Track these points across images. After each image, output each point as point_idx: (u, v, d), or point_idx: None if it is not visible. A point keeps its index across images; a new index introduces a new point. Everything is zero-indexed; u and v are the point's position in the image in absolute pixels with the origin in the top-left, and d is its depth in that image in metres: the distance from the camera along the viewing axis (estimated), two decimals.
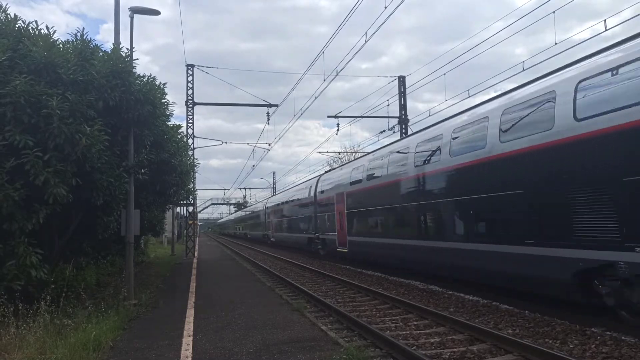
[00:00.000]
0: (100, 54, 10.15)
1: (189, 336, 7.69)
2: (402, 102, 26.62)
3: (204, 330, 8.14)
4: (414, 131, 16.44)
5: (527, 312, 9.07)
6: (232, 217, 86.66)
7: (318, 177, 24.92)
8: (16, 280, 8.21)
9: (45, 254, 9.13)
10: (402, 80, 26.72)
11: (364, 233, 16.95)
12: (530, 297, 9.58)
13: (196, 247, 29.79)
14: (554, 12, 14.61)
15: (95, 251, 13.92)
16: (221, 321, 8.86)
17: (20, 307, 7.24)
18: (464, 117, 11.26)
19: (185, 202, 25.80)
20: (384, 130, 27.99)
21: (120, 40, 12.35)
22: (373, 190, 16.03)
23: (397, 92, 26.72)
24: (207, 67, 27.27)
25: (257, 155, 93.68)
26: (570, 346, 6.83)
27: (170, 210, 29.59)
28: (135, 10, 14.29)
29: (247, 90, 54.42)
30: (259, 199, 61.11)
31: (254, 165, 46.83)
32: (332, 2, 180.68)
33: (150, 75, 10.91)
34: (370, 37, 17.19)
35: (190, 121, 27.06)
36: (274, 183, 77.31)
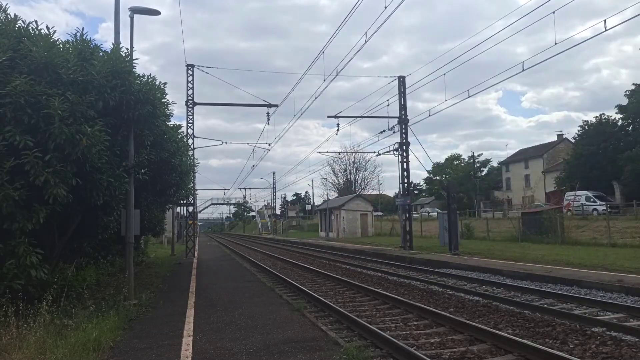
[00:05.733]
0: (100, 54, 10.14)
1: (189, 336, 7.69)
2: (402, 102, 26.63)
3: (204, 330, 8.14)
4: None
5: (527, 312, 9.08)
6: None
7: None
8: (16, 280, 8.22)
9: (46, 254, 9.13)
10: (402, 80, 26.72)
11: None
12: (530, 297, 9.61)
13: (196, 247, 29.79)
14: (554, 12, 14.62)
15: (96, 251, 13.92)
16: (221, 321, 8.86)
17: (20, 307, 7.25)
18: None
19: (185, 201, 25.80)
20: (384, 130, 28.05)
21: (120, 39, 12.37)
22: None
23: (397, 92, 26.74)
24: (207, 67, 27.32)
25: (257, 155, 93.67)
26: (570, 346, 6.84)
27: (170, 210, 29.60)
28: (136, 10, 14.28)
29: (246, 90, 54.47)
30: None
31: (254, 165, 46.91)
32: (332, 1, 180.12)
33: (150, 75, 10.91)
34: (371, 37, 17.20)
35: (190, 121, 27.08)
36: (274, 183, 77.42)
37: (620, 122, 45.47)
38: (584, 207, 36.99)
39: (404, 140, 26.39)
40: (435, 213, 48.39)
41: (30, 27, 9.56)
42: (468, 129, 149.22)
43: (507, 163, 72.07)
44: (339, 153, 53.33)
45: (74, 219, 10.55)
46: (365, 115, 29.01)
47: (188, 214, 33.16)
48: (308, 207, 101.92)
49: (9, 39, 8.96)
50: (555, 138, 70.04)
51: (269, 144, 65.64)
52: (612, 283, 11.26)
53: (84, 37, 10.04)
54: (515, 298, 10.53)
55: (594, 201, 37.66)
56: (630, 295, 10.38)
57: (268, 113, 27.14)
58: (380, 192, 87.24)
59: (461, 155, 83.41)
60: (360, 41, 66.12)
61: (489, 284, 13.00)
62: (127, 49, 10.94)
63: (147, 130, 11.20)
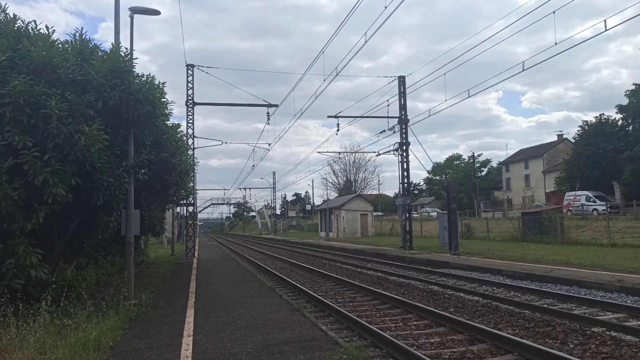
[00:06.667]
0: (100, 53, 10.12)
1: (189, 336, 7.68)
2: (402, 102, 26.63)
3: (204, 330, 8.14)
4: None
5: (527, 312, 9.07)
6: None
7: None
8: (15, 280, 8.20)
9: (46, 254, 9.11)
10: (402, 80, 26.72)
11: None
12: (529, 297, 9.61)
13: (196, 247, 29.78)
14: (554, 12, 14.62)
15: (96, 251, 13.89)
16: (221, 321, 8.85)
17: (20, 307, 7.24)
18: None
19: (185, 201, 25.77)
20: (384, 130, 28.06)
21: (120, 39, 12.36)
22: None
23: (397, 92, 26.74)
24: (207, 67, 27.30)
25: (257, 155, 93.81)
26: (570, 346, 6.83)
27: (170, 210, 29.58)
28: (136, 10, 14.28)
29: (246, 90, 54.62)
30: None
31: (253, 165, 47.04)
32: (332, 1, 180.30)
33: (150, 74, 10.89)
34: (371, 37, 17.20)
35: (190, 121, 27.07)
36: (274, 183, 77.51)
37: (620, 122, 45.49)
38: (584, 207, 36.99)
39: (404, 140, 26.39)
40: (435, 213, 48.41)
41: (29, 27, 9.55)
42: (468, 129, 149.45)
43: (507, 163, 72.10)
44: (339, 153, 53.56)
45: (74, 219, 10.54)
46: (365, 115, 29.03)
47: (188, 214, 33.15)
48: (308, 207, 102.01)
49: (8, 39, 8.95)
50: (555, 138, 70.15)
51: (269, 144, 65.83)
52: (612, 283, 11.26)
53: (83, 37, 10.02)
54: (515, 298, 10.52)
55: (594, 201, 37.66)
56: (630, 295, 10.38)
57: (268, 113, 27.15)
58: (380, 192, 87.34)
59: (461, 155, 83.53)
60: (360, 41, 66.19)
61: (489, 284, 12.99)
62: (126, 48, 10.92)
63: (147, 130, 11.19)
